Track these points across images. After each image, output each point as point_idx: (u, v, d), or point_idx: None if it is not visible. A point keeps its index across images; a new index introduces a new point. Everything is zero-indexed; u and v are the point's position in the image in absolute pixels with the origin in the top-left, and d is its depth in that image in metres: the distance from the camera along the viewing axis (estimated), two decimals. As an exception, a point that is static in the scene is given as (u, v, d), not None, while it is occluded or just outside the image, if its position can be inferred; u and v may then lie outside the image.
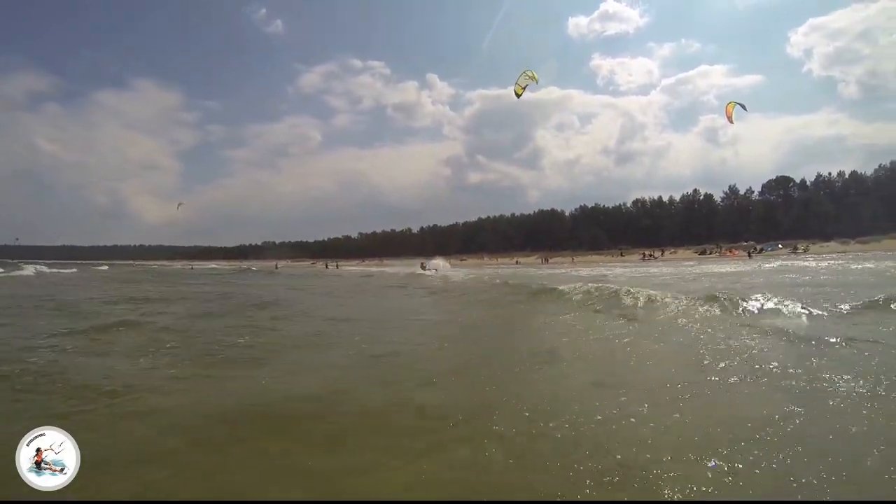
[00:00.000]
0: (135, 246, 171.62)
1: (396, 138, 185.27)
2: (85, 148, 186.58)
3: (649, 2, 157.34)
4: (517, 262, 62.73)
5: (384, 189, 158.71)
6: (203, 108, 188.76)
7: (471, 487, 2.43)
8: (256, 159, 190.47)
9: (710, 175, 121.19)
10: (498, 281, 17.18)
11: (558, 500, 2.29)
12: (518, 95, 17.31)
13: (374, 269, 49.71)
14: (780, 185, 76.38)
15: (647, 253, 60.53)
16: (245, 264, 77.41)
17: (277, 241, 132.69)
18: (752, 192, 78.48)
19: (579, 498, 2.30)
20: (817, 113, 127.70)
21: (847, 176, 71.62)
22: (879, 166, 70.13)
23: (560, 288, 11.19)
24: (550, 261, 62.83)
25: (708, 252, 57.63)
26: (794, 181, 75.54)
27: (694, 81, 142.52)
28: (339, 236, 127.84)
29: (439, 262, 38.97)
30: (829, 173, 73.26)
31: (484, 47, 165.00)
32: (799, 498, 2.22)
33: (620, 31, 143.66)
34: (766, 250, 53.26)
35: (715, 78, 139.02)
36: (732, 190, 79.93)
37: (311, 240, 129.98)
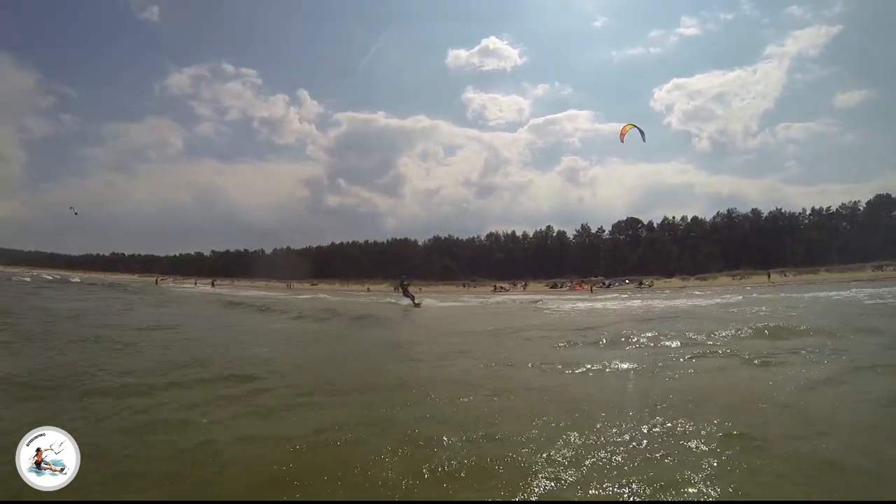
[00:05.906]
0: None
1: (258, 154, 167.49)
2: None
3: (530, 43, 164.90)
4: (368, 290, 54.60)
5: (241, 206, 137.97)
6: (60, 93, 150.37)
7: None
8: (111, 161, 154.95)
9: (567, 213, 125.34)
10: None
11: (557, 500, 2.26)
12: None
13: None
14: (629, 225, 78.69)
15: (498, 285, 55.35)
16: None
17: (127, 254, 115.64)
18: (604, 231, 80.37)
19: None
20: (671, 162, 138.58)
21: (689, 220, 75.98)
22: (717, 213, 76.14)
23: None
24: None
25: (559, 286, 54.74)
26: (642, 222, 78.44)
27: (561, 123, 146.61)
28: (192, 252, 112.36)
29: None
30: (674, 217, 77.52)
31: (360, 69, 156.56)
32: (798, 497, 2.22)
33: (498, 68, 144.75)
34: (615, 285, 52.99)
35: (581, 122, 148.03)
36: (584, 228, 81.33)
37: (163, 254, 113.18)
